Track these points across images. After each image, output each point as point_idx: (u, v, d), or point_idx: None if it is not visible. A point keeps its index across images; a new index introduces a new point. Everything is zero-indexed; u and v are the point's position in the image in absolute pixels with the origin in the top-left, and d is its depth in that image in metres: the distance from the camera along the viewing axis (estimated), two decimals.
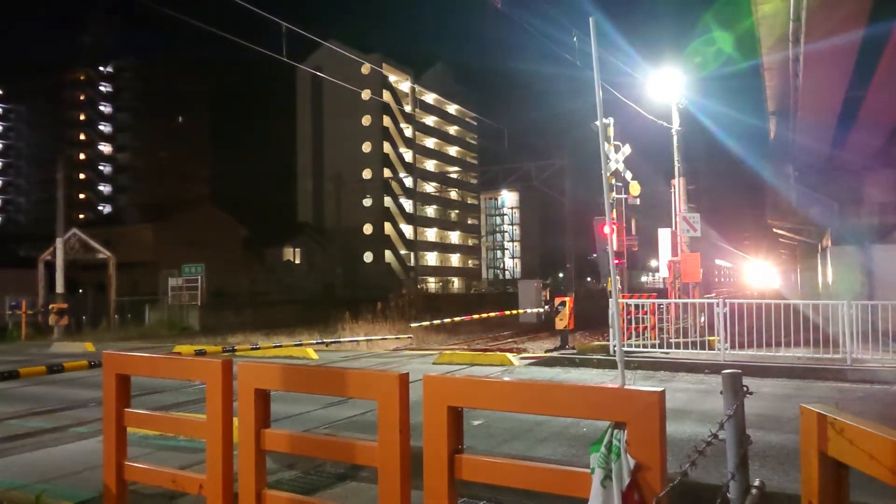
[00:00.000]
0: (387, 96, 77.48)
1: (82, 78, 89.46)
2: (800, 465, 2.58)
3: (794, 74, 16.29)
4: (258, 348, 14.36)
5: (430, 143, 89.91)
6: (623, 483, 2.55)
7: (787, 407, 8.36)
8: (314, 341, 17.60)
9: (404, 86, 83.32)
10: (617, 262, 14.02)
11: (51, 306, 25.47)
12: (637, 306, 14.26)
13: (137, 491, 4.87)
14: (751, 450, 2.70)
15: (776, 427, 7.21)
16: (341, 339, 19.06)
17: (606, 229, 15.70)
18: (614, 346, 13.16)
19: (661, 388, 2.63)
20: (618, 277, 12.52)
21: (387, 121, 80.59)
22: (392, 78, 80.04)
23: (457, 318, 20.80)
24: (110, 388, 4.47)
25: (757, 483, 2.62)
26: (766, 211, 34.01)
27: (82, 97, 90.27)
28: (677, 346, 13.30)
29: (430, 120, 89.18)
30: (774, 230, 38.79)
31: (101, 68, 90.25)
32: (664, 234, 16.92)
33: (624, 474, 2.55)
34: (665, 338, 13.86)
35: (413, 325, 21.92)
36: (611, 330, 13.60)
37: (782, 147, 24.60)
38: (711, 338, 13.11)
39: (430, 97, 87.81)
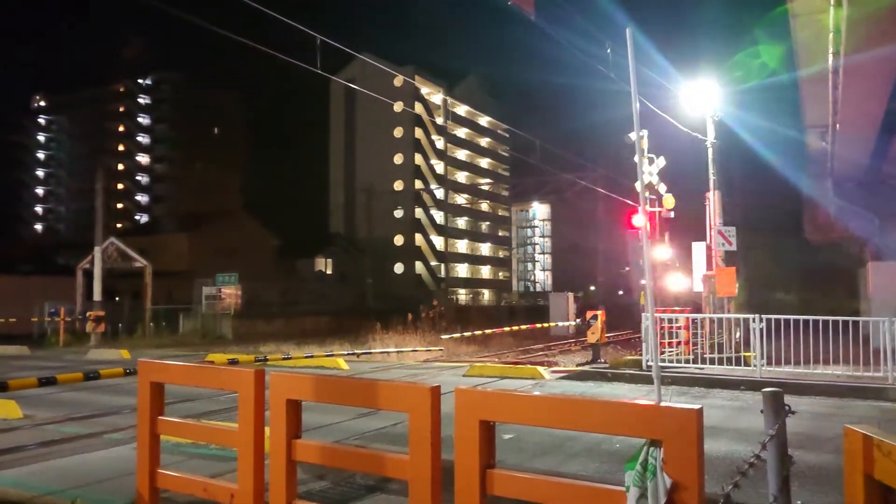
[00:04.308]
0: (419, 108, 77.87)
1: (122, 90, 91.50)
2: (843, 488, 2.50)
3: (833, 86, 16.02)
4: (290, 358, 14.44)
5: (462, 154, 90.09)
6: (659, 502, 2.49)
7: (826, 426, 8.16)
8: (345, 352, 17.66)
9: (436, 98, 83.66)
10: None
11: (88, 313, 25.96)
12: (670, 320, 14.06)
13: (169, 498, 4.90)
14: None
15: (814, 447, 7.03)
16: (372, 350, 19.09)
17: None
18: (647, 360, 12.99)
19: (699, 406, 2.58)
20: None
21: (419, 133, 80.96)
22: (424, 90, 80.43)
23: (487, 331, 20.72)
24: (145, 395, 4.52)
25: None
26: (804, 225, 33.38)
27: (122, 109, 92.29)
28: (712, 361, 13.08)
29: (462, 132, 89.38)
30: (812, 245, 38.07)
31: (141, 80, 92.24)
32: (698, 248, 16.69)
33: (660, 493, 2.50)
34: (699, 353, 13.65)
35: (443, 336, 21.91)
36: (644, 344, 13.41)
37: (820, 160, 24.17)
38: (747, 353, 12.87)
39: (461, 109, 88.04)
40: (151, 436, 4.49)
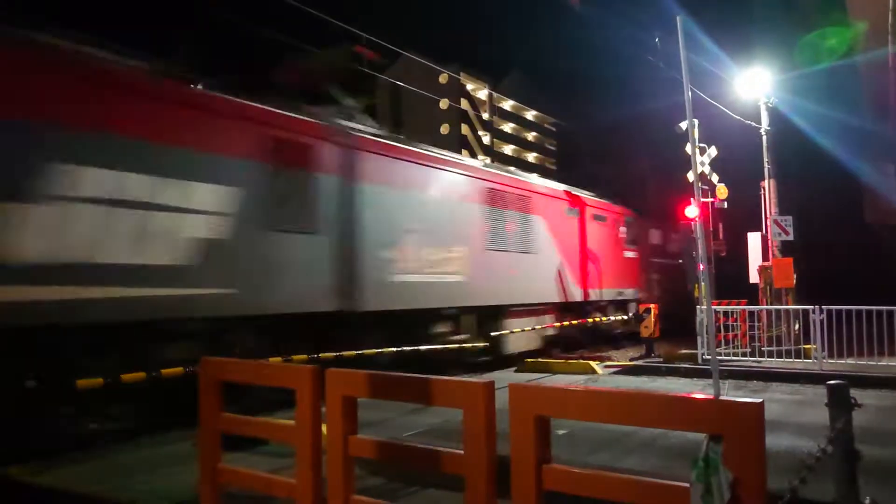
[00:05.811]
0: (464, 104, 77.72)
1: None
2: None
3: (893, 68, 15.48)
4: (342, 356, 14.56)
5: (508, 150, 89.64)
6: (724, 498, 2.45)
7: (890, 419, 7.90)
8: (392, 348, 17.71)
9: (482, 94, 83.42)
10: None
11: None
12: (726, 313, 13.78)
13: (231, 493, 5.01)
14: None
15: (879, 440, 6.80)
16: (421, 347, 19.09)
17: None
18: (703, 354, 12.75)
19: (760, 400, 2.52)
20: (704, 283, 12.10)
21: (465, 129, 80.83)
22: (470, 86, 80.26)
23: (538, 326, 20.53)
24: (206, 393, 4.63)
25: (868, 501, 2.47)
26: (864, 212, 32.28)
27: None
28: (769, 354, 12.77)
29: (508, 127, 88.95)
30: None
31: None
32: (754, 239, 16.30)
33: (724, 489, 2.46)
34: (756, 346, 13.34)
35: (493, 333, 21.78)
36: (699, 338, 13.15)
37: (880, 145, 23.35)
38: (807, 346, 12.53)
39: (507, 104, 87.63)
40: (213, 432, 4.60)
